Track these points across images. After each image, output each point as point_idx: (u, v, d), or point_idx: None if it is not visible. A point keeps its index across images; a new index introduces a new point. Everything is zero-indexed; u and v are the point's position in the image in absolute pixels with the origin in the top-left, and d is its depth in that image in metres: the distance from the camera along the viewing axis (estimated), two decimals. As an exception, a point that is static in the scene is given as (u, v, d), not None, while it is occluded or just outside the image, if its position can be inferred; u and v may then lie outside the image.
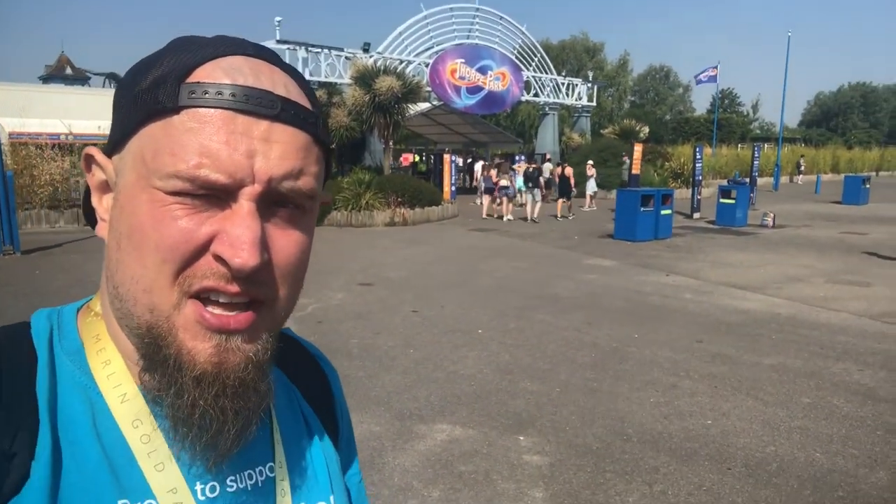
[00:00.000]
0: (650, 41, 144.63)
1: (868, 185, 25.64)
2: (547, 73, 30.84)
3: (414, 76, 21.59)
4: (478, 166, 22.56)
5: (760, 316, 7.86)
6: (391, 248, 13.03)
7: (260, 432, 0.64)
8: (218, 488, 0.61)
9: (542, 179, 19.81)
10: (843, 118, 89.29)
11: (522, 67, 28.96)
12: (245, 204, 0.53)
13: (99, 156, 0.60)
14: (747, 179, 23.02)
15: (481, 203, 20.13)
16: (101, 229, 0.60)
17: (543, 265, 11.29)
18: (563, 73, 35.09)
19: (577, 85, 32.82)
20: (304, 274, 0.61)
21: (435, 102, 27.31)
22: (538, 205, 18.81)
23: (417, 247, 13.29)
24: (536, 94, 30.56)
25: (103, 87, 49.30)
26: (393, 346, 6.50)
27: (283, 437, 0.69)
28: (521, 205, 20.42)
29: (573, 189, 19.73)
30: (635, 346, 6.55)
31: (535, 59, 30.10)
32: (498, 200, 19.29)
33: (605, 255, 12.49)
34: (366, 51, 23.23)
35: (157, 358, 0.55)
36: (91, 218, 0.65)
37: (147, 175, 0.53)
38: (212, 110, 0.53)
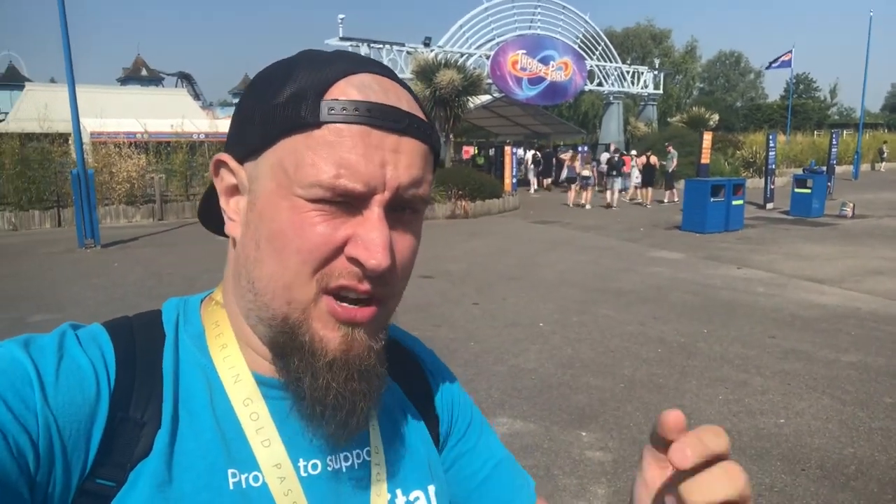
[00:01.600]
0: (719, 26, 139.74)
1: (959, 173, 24.02)
2: (611, 62, 30.21)
3: (475, 69, 21.56)
4: (565, 156, 22.56)
5: (838, 311, 7.48)
6: (452, 241, 13.05)
7: None
8: (319, 466, 0.66)
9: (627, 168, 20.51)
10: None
11: (586, 56, 28.46)
12: (376, 210, 0.58)
13: (231, 162, 0.65)
14: (824, 168, 21.92)
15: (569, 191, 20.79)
16: (232, 228, 0.66)
17: (606, 258, 11.07)
18: (628, 62, 34.30)
19: (642, 73, 32.02)
20: (410, 273, 0.66)
21: (496, 94, 27.19)
22: (618, 193, 19.72)
23: (478, 239, 13.26)
24: (600, 84, 29.99)
25: (175, 87, 51.30)
26: (454, 338, 6.50)
27: (381, 425, 0.73)
28: (601, 190, 21.05)
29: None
30: (704, 342, 6.34)
31: (599, 48, 29.53)
32: (576, 189, 20.17)
33: (671, 247, 12.15)
34: (427, 45, 23.32)
35: (292, 345, 0.61)
36: (205, 217, 0.76)
37: (288, 184, 0.59)
38: (350, 125, 0.58)
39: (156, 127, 23.22)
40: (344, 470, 0.68)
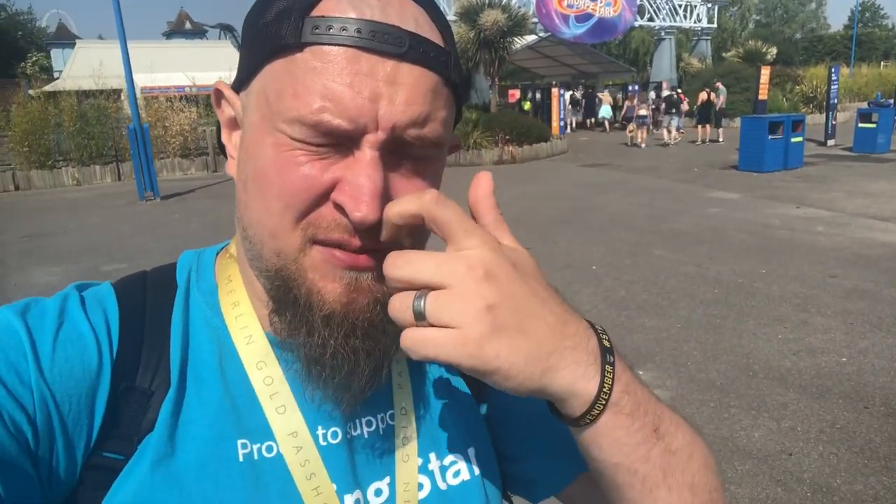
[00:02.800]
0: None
1: None
2: (662, -5, 28.94)
3: (520, 8, 20.95)
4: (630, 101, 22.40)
5: (905, 249, 7.24)
6: (501, 187, 12.91)
7: (386, 379, 0.62)
8: (340, 434, 0.60)
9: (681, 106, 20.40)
10: None
11: (636, -10, 27.32)
12: (368, 152, 0.50)
13: (227, 91, 0.59)
14: (892, 101, 20.79)
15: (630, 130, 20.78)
16: (231, 167, 0.60)
17: (660, 199, 10.88)
18: (681, -6, 32.80)
19: (695, 6, 30.61)
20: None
21: (542, 34, 26.46)
22: (675, 131, 19.95)
23: (527, 185, 13.17)
24: (651, 19, 28.85)
25: (219, 38, 51.45)
26: (507, 282, 6.55)
27: (413, 382, 0.66)
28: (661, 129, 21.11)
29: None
30: (762, 282, 6.25)
31: (651, -20, 28.29)
32: (632, 127, 20.32)
33: (728, 187, 11.84)
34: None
35: (287, 299, 0.54)
36: (225, 152, 0.65)
37: (271, 117, 0.52)
38: (336, 48, 0.49)
39: (204, 80, 23.45)
40: (366, 436, 0.62)
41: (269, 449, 0.57)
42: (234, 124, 0.60)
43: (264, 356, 0.59)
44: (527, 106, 26.77)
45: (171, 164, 17.05)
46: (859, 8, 50.71)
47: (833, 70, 18.98)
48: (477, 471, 0.66)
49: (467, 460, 0.66)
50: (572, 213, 9.99)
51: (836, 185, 11.70)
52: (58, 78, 28.90)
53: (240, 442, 0.57)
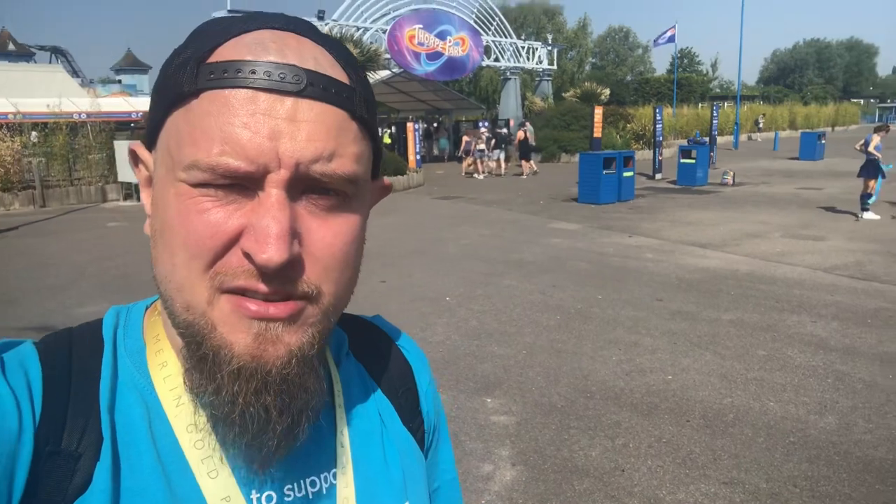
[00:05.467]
0: (609, 2, 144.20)
1: (823, 141, 26.23)
2: (507, 38, 30.62)
3: (371, 44, 21.29)
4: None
5: (720, 273, 8.08)
6: (356, 220, 12.95)
7: (325, 436, 0.62)
8: (275, 497, 0.58)
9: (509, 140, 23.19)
10: (798, 74, 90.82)
11: (482, 32, 28.70)
12: (272, 192, 0.48)
13: (141, 150, 0.58)
14: (707, 139, 23.34)
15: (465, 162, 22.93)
16: (146, 227, 0.57)
17: (509, 231, 11.39)
18: (523, 37, 34.89)
19: (537, 48, 32.66)
20: (353, 267, 0.56)
21: (395, 70, 26.97)
22: (503, 162, 22.58)
23: (383, 216, 13.26)
24: (497, 59, 30.36)
25: (49, 62, 47.58)
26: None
27: (352, 438, 0.64)
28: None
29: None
30: (598, 307, 6.70)
31: (494, 23, 29.83)
32: (470, 161, 22.35)
33: (569, 218, 12.63)
34: (321, 18, 22.74)
35: (197, 355, 0.52)
36: None
37: (173, 167, 0.51)
38: (232, 90, 0.48)
39: (29, 107, 21.56)
40: (305, 497, 0.59)
41: None
42: (149, 183, 0.57)
43: (194, 419, 0.56)
44: (387, 139, 27.11)
45: (-10, 199, 15.38)
46: (678, 55, 56.54)
47: (657, 110, 20.99)
48: None
49: None
50: (428, 245, 10.19)
51: (662, 215, 12.86)
52: None
53: None
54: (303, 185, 0.50)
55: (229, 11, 21.10)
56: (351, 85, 0.53)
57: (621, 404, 4.50)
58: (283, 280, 0.50)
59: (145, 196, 0.58)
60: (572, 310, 6.63)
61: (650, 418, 4.30)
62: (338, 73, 0.53)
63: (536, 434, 4.08)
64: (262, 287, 0.49)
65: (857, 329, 5.91)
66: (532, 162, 22.23)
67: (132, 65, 54.02)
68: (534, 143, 22.99)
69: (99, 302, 6.96)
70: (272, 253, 0.47)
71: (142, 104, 24.89)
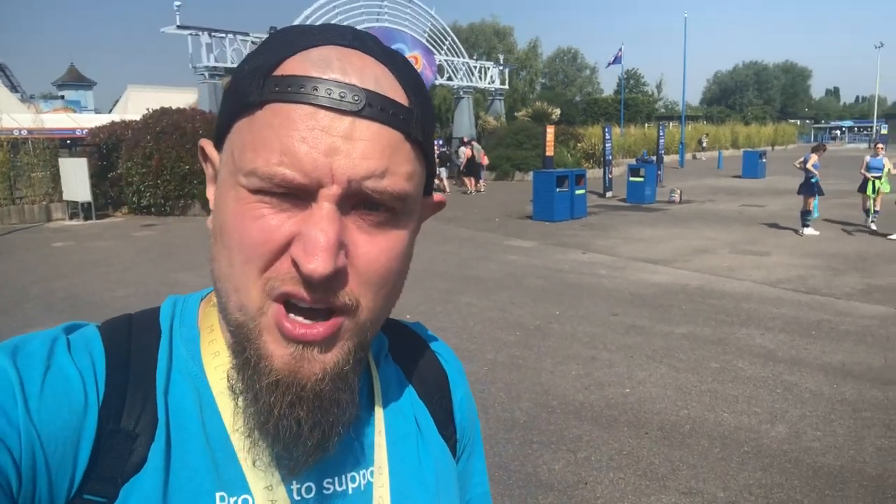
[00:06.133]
0: (557, 23, 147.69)
1: (765, 160, 27.35)
2: (459, 57, 31.00)
3: (326, 62, 21.20)
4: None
5: (671, 288, 8.31)
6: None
7: (364, 435, 0.65)
8: (314, 489, 0.60)
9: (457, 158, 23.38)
10: (739, 95, 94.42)
11: (434, 51, 29.00)
12: (324, 206, 0.51)
13: (209, 148, 0.61)
14: (654, 157, 24.02)
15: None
16: (209, 222, 0.59)
17: (467, 248, 11.47)
18: (475, 57, 35.36)
19: (489, 68, 33.15)
20: (395, 282, 0.58)
21: (349, 88, 26.95)
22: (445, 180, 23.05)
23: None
24: (450, 78, 30.68)
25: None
26: (320, 336, 6.48)
27: (389, 440, 0.66)
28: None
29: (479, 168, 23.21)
30: (556, 323, 6.81)
31: (447, 43, 30.19)
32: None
33: (524, 236, 12.81)
34: (274, 36, 22.59)
35: (242, 357, 0.55)
36: None
37: (234, 172, 0.53)
38: (294, 105, 0.51)
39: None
40: (344, 492, 0.62)
41: (245, 502, 0.57)
42: (216, 181, 0.60)
43: (239, 409, 0.58)
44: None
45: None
46: (625, 76, 58.19)
47: (606, 130, 21.52)
48: None
49: None
50: (383, 264, 10.15)
51: (614, 232, 13.16)
52: None
53: (218, 494, 0.56)
54: (354, 200, 0.53)
55: (178, 27, 20.83)
56: (409, 107, 0.55)
57: (582, 418, 4.58)
58: (326, 289, 0.52)
59: (210, 192, 0.61)
60: (531, 326, 6.72)
61: (610, 431, 4.38)
62: (398, 94, 0.55)
63: (500, 449, 4.12)
64: (306, 295, 0.52)
65: (802, 340, 6.16)
66: (482, 181, 22.58)
67: (75, 80, 52.49)
68: (482, 163, 23.17)
69: (45, 324, 6.71)
70: (318, 263, 0.50)
71: (86, 120, 24.19)
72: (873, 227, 12.56)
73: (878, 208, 12.64)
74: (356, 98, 0.51)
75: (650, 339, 6.25)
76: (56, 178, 16.23)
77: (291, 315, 0.53)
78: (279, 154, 0.50)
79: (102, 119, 22.32)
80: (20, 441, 0.50)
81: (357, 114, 0.51)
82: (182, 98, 25.10)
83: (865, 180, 12.71)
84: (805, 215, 12.41)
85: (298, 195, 0.52)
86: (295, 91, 0.51)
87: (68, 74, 53.29)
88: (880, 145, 13.02)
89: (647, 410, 4.70)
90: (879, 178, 12.45)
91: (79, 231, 14.28)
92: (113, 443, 0.55)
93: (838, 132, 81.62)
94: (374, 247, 0.54)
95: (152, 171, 16.08)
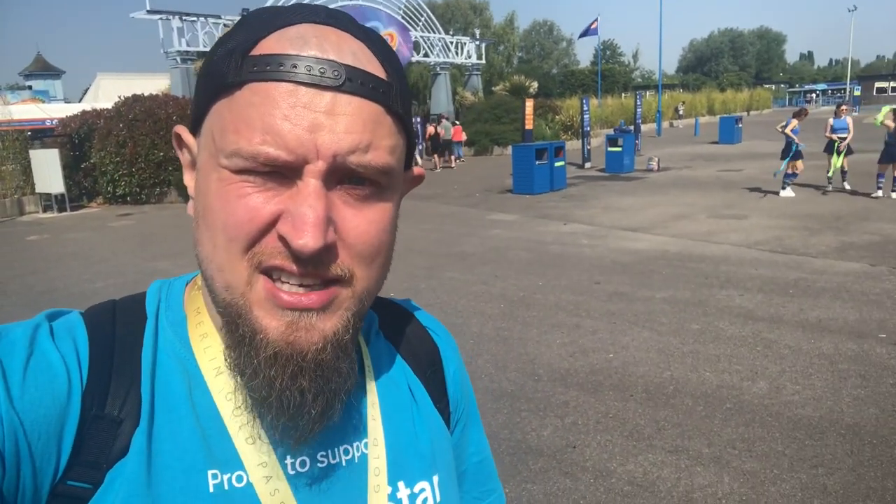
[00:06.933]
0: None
1: (741, 125, 27.53)
2: (435, 33, 30.74)
3: (299, 42, 20.94)
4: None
5: (651, 254, 8.40)
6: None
7: (356, 408, 0.65)
8: (308, 463, 0.61)
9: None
10: (715, 63, 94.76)
11: (410, 28, 28.70)
12: (310, 182, 0.51)
13: (185, 134, 0.60)
14: (632, 127, 24.09)
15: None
16: (190, 208, 0.60)
17: (448, 224, 11.49)
18: (451, 32, 35.07)
19: (465, 43, 32.93)
20: (385, 253, 0.59)
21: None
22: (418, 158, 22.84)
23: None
24: (426, 55, 30.45)
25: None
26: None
27: (384, 412, 0.67)
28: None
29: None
30: (540, 294, 6.87)
31: (423, 19, 29.90)
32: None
33: (506, 209, 12.84)
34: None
35: (235, 335, 0.55)
36: None
37: (216, 153, 0.53)
38: (274, 83, 0.51)
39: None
40: (338, 465, 0.63)
41: (240, 479, 0.57)
42: (193, 166, 0.60)
43: (233, 388, 0.59)
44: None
45: None
46: (601, 47, 58.04)
47: (584, 101, 21.52)
48: (439, 497, 0.68)
49: (432, 487, 0.67)
50: (366, 243, 10.15)
51: (594, 202, 13.23)
52: None
53: (210, 472, 0.57)
54: (339, 175, 0.53)
55: (148, 12, 20.43)
56: (388, 80, 0.56)
57: (568, 384, 4.65)
58: (316, 264, 0.53)
59: (188, 178, 0.61)
60: (515, 298, 6.77)
61: (596, 395, 4.46)
62: (375, 68, 0.55)
63: (489, 419, 4.17)
64: (295, 269, 0.53)
65: (780, 299, 6.28)
66: (454, 157, 22.84)
67: (43, 69, 51.35)
68: (452, 139, 23.20)
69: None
70: (308, 239, 0.50)
71: (56, 111, 23.71)
72: (846, 186, 12.75)
73: (846, 168, 12.80)
74: (336, 73, 0.52)
75: (632, 305, 6.33)
76: (27, 170, 15.95)
77: (282, 286, 0.54)
78: (262, 133, 0.50)
79: (73, 108, 21.90)
80: (3, 428, 0.50)
81: (338, 89, 0.52)
82: (154, 84, 24.68)
83: (831, 142, 12.86)
84: (788, 177, 12.57)
85: (283, 173, 0.52)
86: (274, 69, 0.51)
87: (35, 64, 52.10)
88: (844, 107, 13.14)
89: (632, 374, 4.77)
90: (844, 139, 12.59)
91: (53, 224, 14.09)
92: (97, 428, 0.55)
93: (813, 95, 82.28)
94: (362, 220, 0.55)
95: (126, 159, 15.87)
